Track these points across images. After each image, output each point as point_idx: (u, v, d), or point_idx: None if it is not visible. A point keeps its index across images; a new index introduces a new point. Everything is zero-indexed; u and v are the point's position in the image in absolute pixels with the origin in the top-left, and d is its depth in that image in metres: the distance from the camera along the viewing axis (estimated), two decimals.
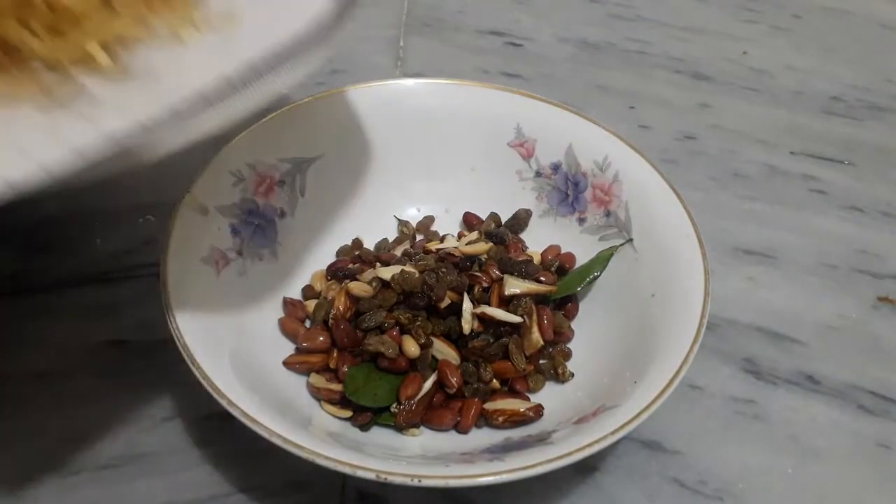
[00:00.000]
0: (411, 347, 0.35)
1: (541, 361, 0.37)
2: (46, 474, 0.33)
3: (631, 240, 0.39)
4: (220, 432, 0.35)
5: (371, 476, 0.28)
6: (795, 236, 0.47)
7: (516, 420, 0.35)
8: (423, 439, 0.34)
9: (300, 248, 0.41)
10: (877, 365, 0.40)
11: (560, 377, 0.37)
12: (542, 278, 0.38)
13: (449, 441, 0.34)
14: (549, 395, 0.36)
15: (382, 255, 0.40)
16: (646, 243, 0.39)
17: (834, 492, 0.35)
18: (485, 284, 0.37)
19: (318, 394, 0.35)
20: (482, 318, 0.36)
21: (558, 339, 0.38)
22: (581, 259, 0.41)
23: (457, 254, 0.38)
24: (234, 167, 0.39)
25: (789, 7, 0.66)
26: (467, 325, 0.35)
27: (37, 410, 0.35)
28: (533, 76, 0.57)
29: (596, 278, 0.39)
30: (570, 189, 0.42)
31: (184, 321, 0.32)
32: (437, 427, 0.35)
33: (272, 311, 0.38)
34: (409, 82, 0.44)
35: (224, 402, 0.29)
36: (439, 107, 0.43)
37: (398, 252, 0.41)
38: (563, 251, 0.41)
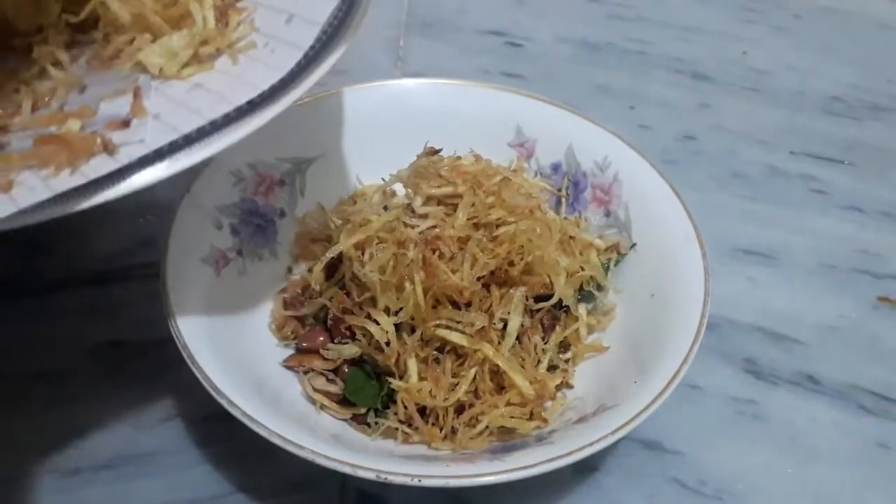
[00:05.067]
0: None
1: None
2: (46, 474, 0.33)
3: (634, 245, 0.39)
4: (220, 432, 0.34)
5: (371, 476, 0.28)
6: (795, 236, 0.47)
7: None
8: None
9: None
10: (877, 365, 0.40)
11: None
12: None
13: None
14: None
15: None
16: (646, 243, 0.39)
17: (834, 492, 0.35)
18: None
19: (317, 394, 0.35)
20: None
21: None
22: None
23: None
24: (234, 167, 0.39)
25: (789, 7, 0.66)
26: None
27: (36, 410, 0.35)
28: (533, 76, 0.57)
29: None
30: (570, 189, 0.42)
31: (184, 321, 0.32)
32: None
33: (272, 311, 0.38)
34: (409, 82, 0.44)
35: (224, 402, 0.29)
36: (439, 107, 0.43)
37: None
38: None
